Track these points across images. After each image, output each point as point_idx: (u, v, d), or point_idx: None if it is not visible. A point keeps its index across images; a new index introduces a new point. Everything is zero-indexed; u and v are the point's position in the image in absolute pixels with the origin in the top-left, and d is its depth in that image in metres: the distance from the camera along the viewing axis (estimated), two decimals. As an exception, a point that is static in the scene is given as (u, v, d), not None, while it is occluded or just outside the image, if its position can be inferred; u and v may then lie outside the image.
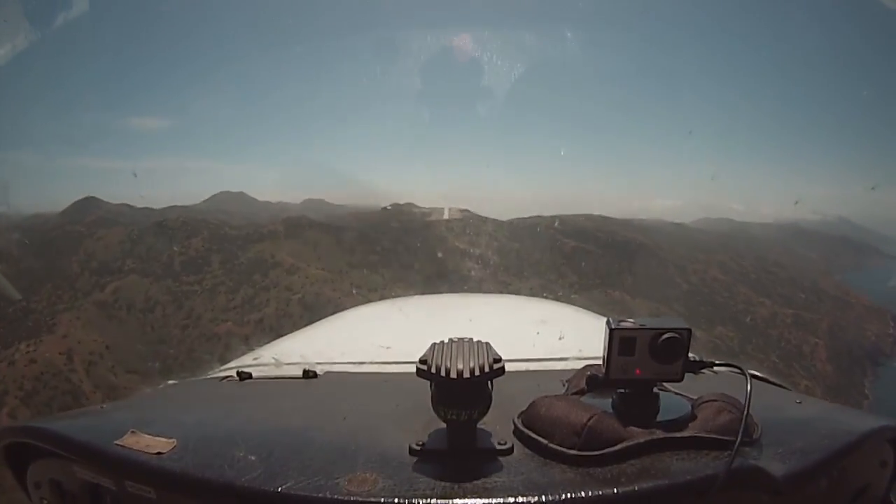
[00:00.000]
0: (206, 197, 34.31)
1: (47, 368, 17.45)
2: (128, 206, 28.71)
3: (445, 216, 24.81)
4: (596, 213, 31.39)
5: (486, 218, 25.73)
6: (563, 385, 0.97)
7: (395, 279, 23.53)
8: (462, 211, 25.40)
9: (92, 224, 25.74)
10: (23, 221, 26.01)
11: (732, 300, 26.63)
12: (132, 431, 0.79)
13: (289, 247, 24.83)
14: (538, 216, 27.98)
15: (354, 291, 22.38)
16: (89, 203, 28.12)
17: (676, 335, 0.75)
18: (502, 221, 26.22)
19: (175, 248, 23.75)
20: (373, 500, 0.64)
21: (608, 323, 0.78)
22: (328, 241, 25.68)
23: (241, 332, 20.21)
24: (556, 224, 26.27)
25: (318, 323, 1.90)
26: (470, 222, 24.72)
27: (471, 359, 0.70)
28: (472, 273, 22.55)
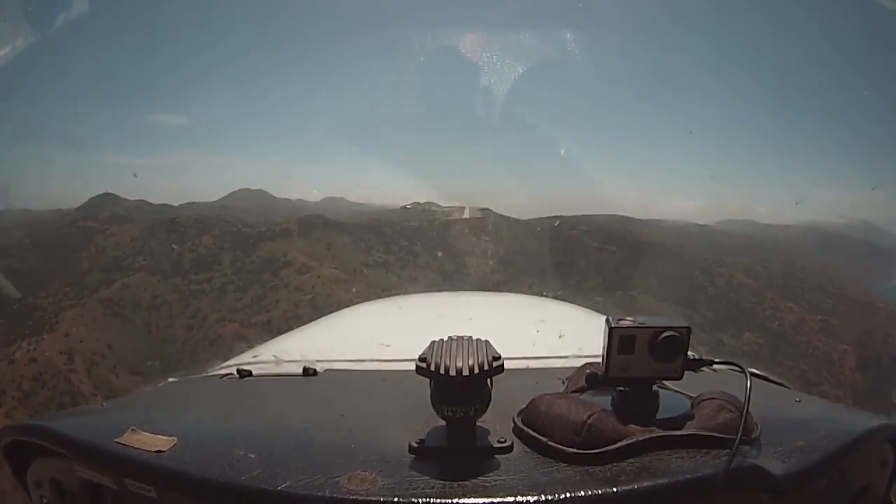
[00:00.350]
0: (225, 194, 33.50)
1: (47, 368, 16.89)
2: (145, 202, 28.29)
3: (466, 215, 24.12)
4: (619, 213, 30.41)
5: (507, 217, 25.00)
6: (563, 383, 0.96)
7: (410, 279, 22.92)
8: (483, 210, 24.61)
9: (105, 220, 25.40)
10: (38, 217, 25.72)
11: (760, 305, 25.66)
12: (132, 429, 0.78)
13: (302, 245, 24.26)
14: (560, 216, 27.07)
15: (355, 295, 21.48)
16: (106, 199, 27.81)
17: (675, 333, 0.75)
18: (524, 221, 25.42)
19: (183, 246, 23.25)
20: (372, 498, 0.64)
21: (607, 321, 0.77)
22: (343, 240, 25.11)
23: (247, 335, 19.58)
24: (579, 224, 25.49)
25: (318, 320, 1.89)
26: (490, 221, 24.00)
27: (470, 356, 0.69)
28: (491, 273, 21.74)
